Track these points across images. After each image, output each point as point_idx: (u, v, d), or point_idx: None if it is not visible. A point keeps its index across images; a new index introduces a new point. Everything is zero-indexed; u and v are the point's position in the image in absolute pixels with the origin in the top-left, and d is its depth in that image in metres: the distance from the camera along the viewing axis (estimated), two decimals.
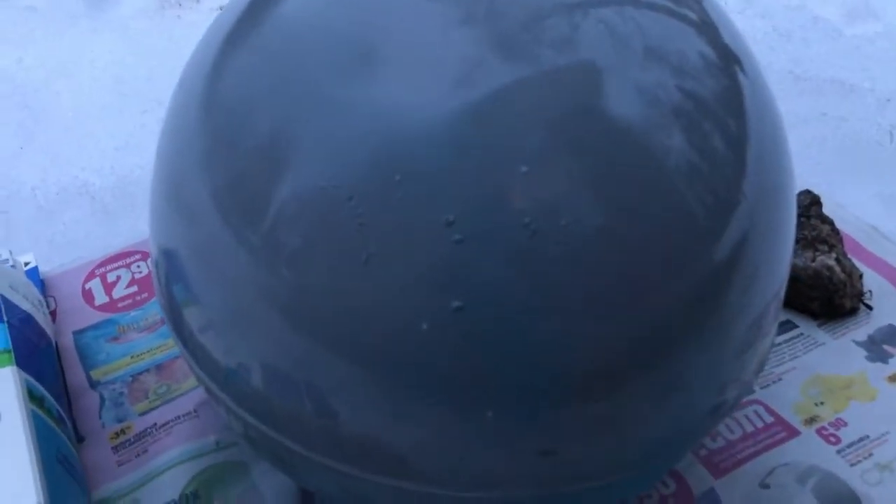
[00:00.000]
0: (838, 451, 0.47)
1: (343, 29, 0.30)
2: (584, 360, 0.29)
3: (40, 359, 0.46)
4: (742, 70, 0.33)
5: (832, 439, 0.48)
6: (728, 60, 0.33)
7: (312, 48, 0.31)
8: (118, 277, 0.57)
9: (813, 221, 0.57)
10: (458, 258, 0.27)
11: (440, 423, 0.29)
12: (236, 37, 0.34)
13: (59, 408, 0.45)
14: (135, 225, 0.62)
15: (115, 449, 0.47)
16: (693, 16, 0.33)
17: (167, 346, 0.53)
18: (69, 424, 0.47)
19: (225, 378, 0.33)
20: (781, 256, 0.35)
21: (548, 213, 0.27)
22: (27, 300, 0.48)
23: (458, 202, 0.27)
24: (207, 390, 0.36)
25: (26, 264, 0.56)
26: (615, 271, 0.29)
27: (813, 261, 0.55)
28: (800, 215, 0.57)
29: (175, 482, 0.45)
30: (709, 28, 0.33)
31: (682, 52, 0.31)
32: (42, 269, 0.57)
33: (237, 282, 0.31)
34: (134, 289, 0.57)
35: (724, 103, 0.32)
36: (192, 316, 0.34)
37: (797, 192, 0.59)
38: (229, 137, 0.32)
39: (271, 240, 0.29)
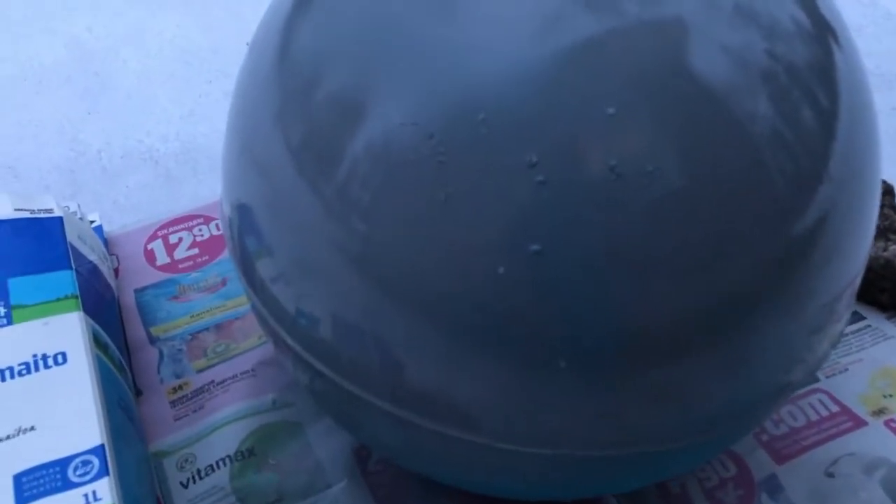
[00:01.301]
0: None
1: None
2: (658, 318, 0.28)
3: (105, 310, 0.47)
4: (837, 43, 0.32)
5: None
6: (823, 31, 0.32)
7: None
8: (180, 239, 0.58)
9: (885, 211, 0.55)
10: (540, 200, 0.26)
11: (510, 373, 0.29)
12: None
13: (121, 358, 0.46)
14: (197, 190, 0.62)
15: (173, 404, 0.48)
16: None
17: (227, 306, 0.53)
18: (129, 377, 0.47)
19: (295, 326, 0.33)
20: (861, 241, 0.33)
21: (633, 158, 0.26)
22: (94, 252, 0.48)
23: (541, 143, 0.26)
24: (276, 339, 0.36)
25: (91, 222, 0.56)
26: (696, 228, 0.28)
27: (885, 250, 0.53)
28: None
29: (231, 438, 0.45)
30: None
31: (774, 16, 0.30)
32: (106, 228, 0.58)
33: (310, 232, 0.31)
34: (195, 251, 0.57)
35: (816, 74, 0.31)
36: (264, 267, 0.34)
37: None
38: (305, 87, 0.32)
39: (348, 185, 0.29)
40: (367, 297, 0.30)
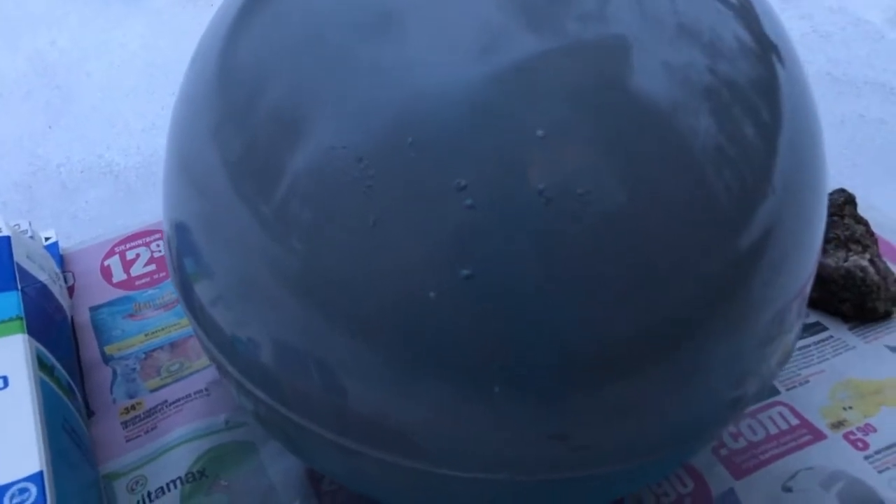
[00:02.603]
0: (866, 457, 0.46)
1: None
2: (597, 340, 0.28)
3: (54, 331, 0.46)
4: (780, 59, 0.32)
5: (860, 444, 0.46)
6: (766, 48, 0.31)
7: (328, 12, 0.30)
8: (137, 255, 0.57)
9: (847, 221, 0.55)
10: (469, 224, 0.26)
11: (446, 397, 0.28)
12: (249, 8, 0.33)
13: (69, 380, 0.45)
14: (157, 205, 0.61)
15: (125, 424, 0.47)
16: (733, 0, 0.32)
17: (182, 324, 0.52)
18: (80, 398, 0.46)
19: (235, 353, 0.33)
20: (808, 252, 0.33)
21: (564, 181, 0.26)
22: (44, 271, 0.48)
23: (470, 166, 0.26)
24: (218, 366, 0.35)
25: (47, 239, 0.56)
26: (632, 249, 0.27)
27: (845, 261, 0.53)
28: (833, 214, 0.55)
29: (183, 460, 0.45)
30: (747, 13, 0.32)
31: (718, 34, 0.30)
32: (62, 245, 0.57)
33: (244, 252, 0.30)
34: (152, 267, 0.57)
35: (758, 90, 0.30)
36: (202, 290, 0.34)
37: (831, 190, 0.57)
38: (240, 106, 0.31)
39: (279, 208, 0.29)
40: (304, 321, 0.29)
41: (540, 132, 0.26)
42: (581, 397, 0.29)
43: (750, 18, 0.32)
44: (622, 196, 0.27)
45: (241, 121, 0.31)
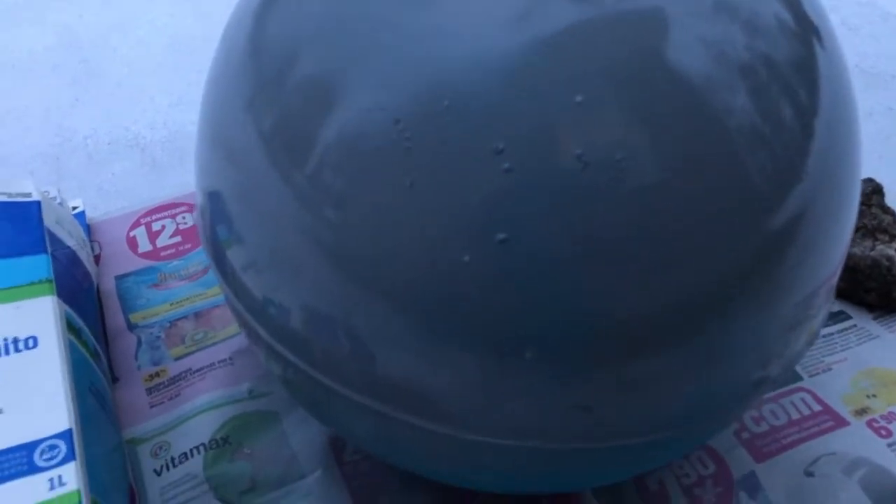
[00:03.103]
0: (889, 445, 0.46)
1: None
2: (626, 310, 0.28)
3: (81, 296, 0.46)
4: (820, 41, 0.32)
5: (883, 432, 0.46)
6: (806, 28, 0.31)
7: None
8: (163, 227, 0.58)
9: (874, 210, 0.55)
10: (506, 188, 0.26)
11: (477, 362, 0.28)
12: None
13: (96, 344, 0.45)
14: (182, 179, 0.62)
15: (149, 391, 0.47)
16: None
17: (207, 294, 0.53)
18: (105, 363, 0.47)
19: (266, 316, 0.33)
20: (838, 238, 0.33)
21: (602, 147, 0.26)
22: (72, 237, 0.48)
23: (508, 130, 0.26)
24: (248, 330, 0.36)
25: (74, 208, 0.56)
26: (665, 221, 0.27)
27: (871, 250, 0.53)
28: (860, 203, 0.55)
29: (206, 427, 0.45)
30: None
31: (756, 12, 0.30)
32: (89, 214, 0.58)
33: (278, 218, 0.31)
34: (178, 239, 0.57)
35: (797, 71, 0.30)
36: (235, 255, 0.34)
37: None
38: (274, 74, 0.31)
39: (317, 172, 0.29)
40: (336, 285, 0.30)
41: (579, 97, 0.26)
42: (608, 366, 0.29)
43: None
44: (658, 166, 0.27)
45: (275, 88, 0.31)
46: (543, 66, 0.27)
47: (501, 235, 0.26)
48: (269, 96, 0.31)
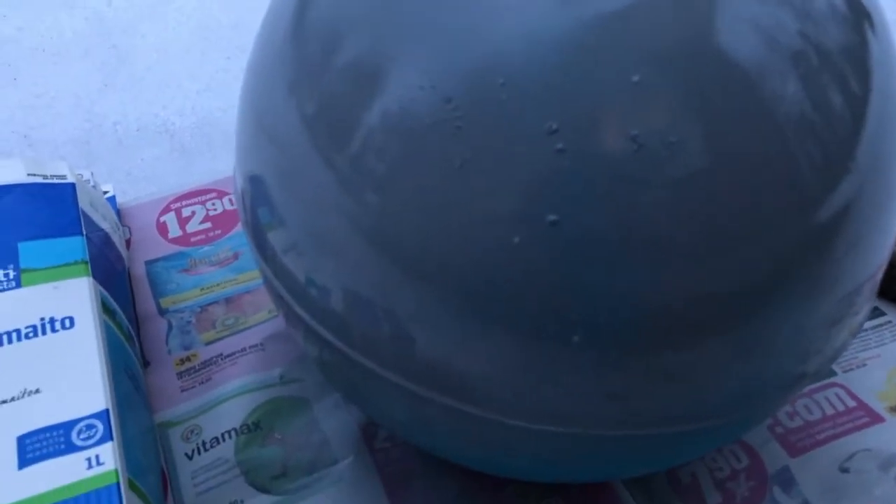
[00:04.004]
0: None
1: None
2: (674, 297, 0.28)
3: (115, 278, 0.46)
4: (872, 30, 0.31)
5: None
6: (858, 16, 0.31)
7: None
8: (193, 213, 0.58)
9: None
10: (558, 168, 0.26)
11: (520, 344, 0.28)
12: None
13: (129, 327, 0.45)
14: (211, 165, 0.62)
15: (180, 375, 0.47)
16: None
17: (238, 280, 0.53)
18: (137, 347, 0.47)
19: (306, 296, 0.33)
20: (885, 233, 0.33)
21: (656, 129, 0.26)
22: (106, 220, 0.48)
23: (562, 109, 0.26)
24: (286, 311, 0.36)
25: (105, 193, 0.56)
26: (717, 208, 0.27)
27: None
28: None
29: (237, 411, 0.45)
30: None
31: None
32: (119, 199, 0.58)
33: (322, 200, 0.30)
34: (208, 225, 0.57)
35: (849, 60, 0.30)
36: (276, 238, 0.34)
37: None
38: (319, 56, 0.31)
39: (361, 154, 0.29)
40: (378, 267, 0.29)
41: (635, 77, 0.26)
42: (650, 355, 0.29)
43: None
44: (709, 151, 0.27)
45: (318, 71, 0.31)
46: (599, 44, 0.26)
47: (552, 217, 0.26)
48: (312, 79, 0.31)
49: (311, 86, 0.31)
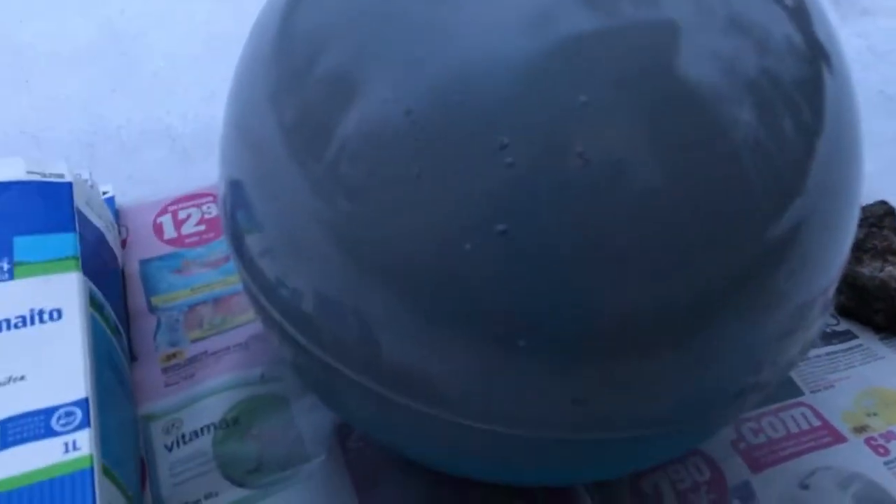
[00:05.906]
0: (886, 463, 0.46)
1: None
2: (619, 307, 0.29)
3: (107, 276, 0.48)
4: (828, 65, 0.32)
5: (881, 450, 0.47)
6: (815, 51, 0.32)
7: None
8: (188, 215, 0.60)
9: (885, 232, 0.55)
10: (508, 181, 0.27)
11: (471, 347, 0.30)
12: None
13: (117, 322, 0.47)
14: (210, 170, 0.63)
15: (165, 371, 0.49)
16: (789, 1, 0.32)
17: (227, 281, 0.54)
18: (125, 341, 0.48)
19: (279, 299, 0.34)
20: (834, 254, 0.34)
21: (602, 146, 0.27)
22: (101, 220, 0.50)
23: (513, 125, 0.27)
24: (263, 314, 0.37)
25: (104, 193, 0.58)
26: (662, 223, 0.28)
27: (881, 271, 0.53)
28: (872, 225, 0.56)
29: (217, 407, 0.47)
30: (800, 15, 0.33)
31: (767, 30, 0.31)
32: (118, 200, 0.60)
33: (294, 206, 0.32)
34: (202, 227, 0.59)
35: (803, 91, 0.31)
36: (253, 241, 0.35)
37: (873, 201, 0.57)
38: (297, 69, 0.33)
39: (333, 161, 0.30)
40: (344, 270, 0.31)
41: (583, 97, 0.27)
42: (596, 363, 0.30)
43: (802, 20, 0.32)
44: (656, 171, 0.28)
45: (297, 82, 0.32)
46: (552, 67, 0.28)
47: (501, 226, 0.27)
48: (291, 89, 0.33)
49: (289, 95, 0.33)
